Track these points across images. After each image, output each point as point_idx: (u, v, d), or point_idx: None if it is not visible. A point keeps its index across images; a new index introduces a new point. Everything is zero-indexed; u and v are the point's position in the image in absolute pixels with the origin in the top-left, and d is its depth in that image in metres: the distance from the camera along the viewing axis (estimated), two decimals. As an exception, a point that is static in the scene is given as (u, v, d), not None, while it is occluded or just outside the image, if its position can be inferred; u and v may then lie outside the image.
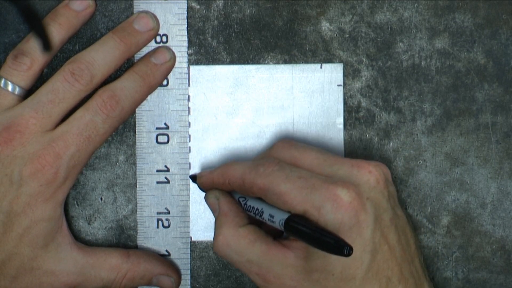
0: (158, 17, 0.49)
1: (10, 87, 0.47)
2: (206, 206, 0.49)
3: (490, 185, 0.50)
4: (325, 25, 0.50)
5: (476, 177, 0.50)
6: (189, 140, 0.50)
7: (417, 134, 0.50)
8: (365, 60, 0.50)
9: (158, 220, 0.50)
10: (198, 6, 0.50)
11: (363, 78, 0.50)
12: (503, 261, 0.50)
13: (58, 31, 0.47)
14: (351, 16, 0.50)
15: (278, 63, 0.50)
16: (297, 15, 0.50)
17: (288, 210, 0.43)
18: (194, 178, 0.50)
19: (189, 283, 0.50)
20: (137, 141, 0.50)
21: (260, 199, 0.46)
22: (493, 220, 0.50)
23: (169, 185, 0.50)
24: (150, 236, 0.50)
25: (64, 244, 0.48)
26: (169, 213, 0.50)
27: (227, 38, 0.50)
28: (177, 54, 0.49)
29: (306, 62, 0.50)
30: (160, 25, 0.49)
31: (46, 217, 0.46)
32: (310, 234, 0.41)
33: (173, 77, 0.50)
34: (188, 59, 0.50)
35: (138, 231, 0.50)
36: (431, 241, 0.50)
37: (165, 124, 0.50)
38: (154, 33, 0.49)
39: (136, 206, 0.50)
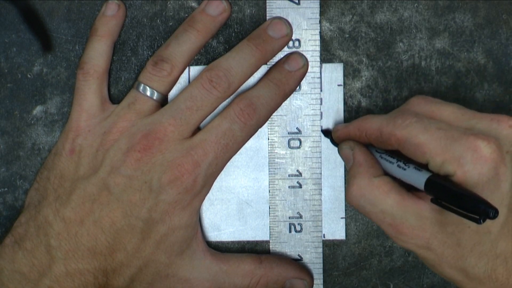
0: (291, 22, 0.49)
1: (148, 92, 0.47)
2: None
3: (490, 185, 0.50)
4: (325, 25, 0.50)
5: (476, 177, 0.50)
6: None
7: (417, 134, 0.50)
8: (365, 60, 0.50)
9: (290, 224, 0.50)
10: (197, 6, 0.50)
11: (363, 78, 0.50)
12: (503, 261, 0.50)
13: (196, 37, 0.48)
14: (351, 16, 0.50)
15: (278, 63, 0.50)
16: (297, 15, 0.50)
17: (427, 161, 0.42)
18: (326, 132, 0.49)
19: None
20: (269, 146, 0.50)
21: (395, 152, 0.45)
22: (493, 220, 0.50)
23: (301, 190, 0.50)
24: (283, 241, 0.50)
25: (199, 252, 0.47)
26: (301, 217, 0.50)
27: (227, 38, 0.50)
28: (309, 59, 0.49)
29: (306, 62, 0.50)
30: (293, 30, 0.49)
31: (183, 225, 0.46)
32: (454, 196, 0.40)
33: (305, 82, 0.50)
34: (320, 63, 0.50)
35: (270, 236, 0.50)
36: (431, 241, 0.50)
37: (297, 129, 0.50)
38: (288, 39, 0.49)
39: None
